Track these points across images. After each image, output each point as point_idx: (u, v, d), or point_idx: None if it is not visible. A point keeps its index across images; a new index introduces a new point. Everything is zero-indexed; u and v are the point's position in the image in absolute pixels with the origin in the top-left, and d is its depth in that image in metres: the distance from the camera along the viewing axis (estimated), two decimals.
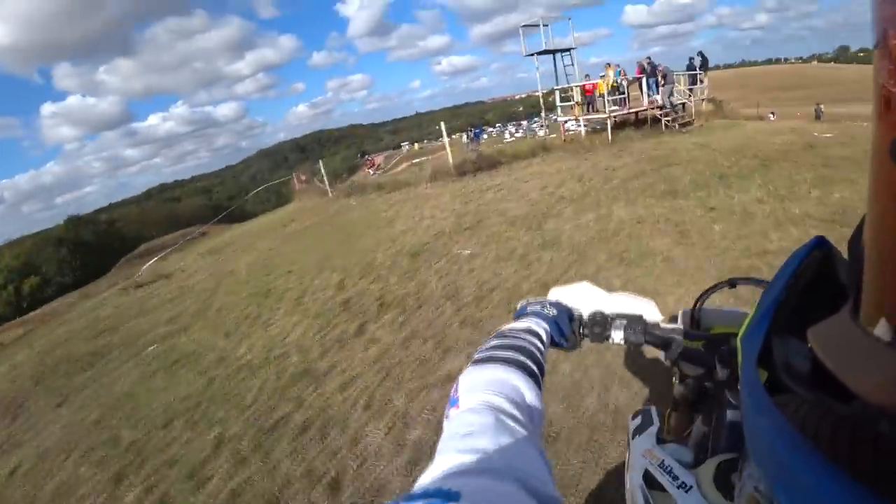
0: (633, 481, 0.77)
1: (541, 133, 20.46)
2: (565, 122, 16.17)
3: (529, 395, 0.54)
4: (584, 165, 11.02)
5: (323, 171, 17.67)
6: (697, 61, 18.22)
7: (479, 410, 0.49)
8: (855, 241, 0.25)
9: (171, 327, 7.40)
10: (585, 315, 0.83)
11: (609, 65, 16.97)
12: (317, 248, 9.33)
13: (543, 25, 15.82)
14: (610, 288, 0.85)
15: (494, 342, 0.65)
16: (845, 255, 0.28)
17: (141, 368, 6.00)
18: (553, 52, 17.08)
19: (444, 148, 12.95)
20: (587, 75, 16.68)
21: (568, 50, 17.14)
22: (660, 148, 11.94)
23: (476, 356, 0.63)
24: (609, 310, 0.82)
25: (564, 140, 15.54)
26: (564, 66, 17.13)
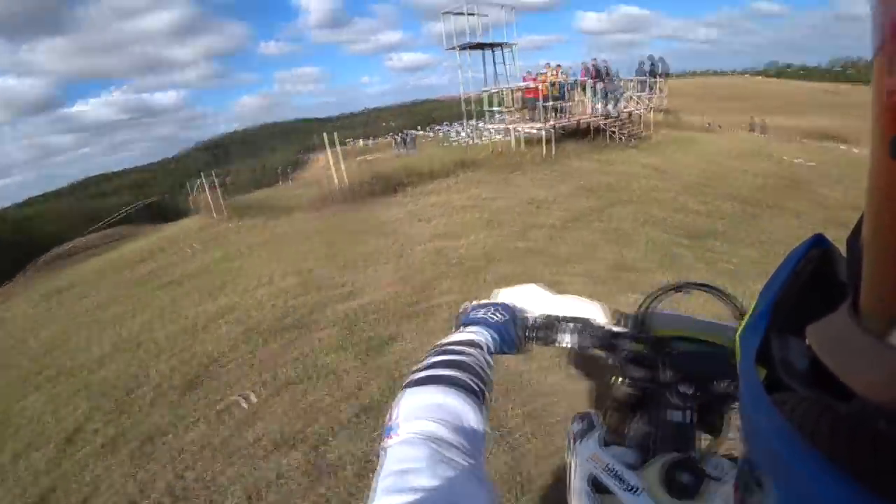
0: (577, 486, 0.77)
1: (465, 140, 17.46)
2: (496, 130, 13.35)
3: (473, 418, 0.53)
4: (504, 195, 8.21)
5: (209, 185, 13.62)
6: (648, 66, 15.97)
7: (416, 443, 0.47)
8: (853, 238, 0.24)
9: None
10: (533, 317, 0.81)
11: (549, 65, 14.34)
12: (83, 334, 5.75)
13: (469, 14, 12.82)
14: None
15: (435, 359, 0.61)
16: (844, 253, 0.28)
17: None
18: (484, 46, 14.17)
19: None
20: (529, 73, 13.92)
21: (501, 45, 14.27)
22: (607, 170, 9.31)
23: (414, 375, 0.60)
24: (557, 312, 0.81)
25: (493, 152, 12.73)
26: (496, 65, 14.31)
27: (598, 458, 0.74)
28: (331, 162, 11.42)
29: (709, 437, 0.75)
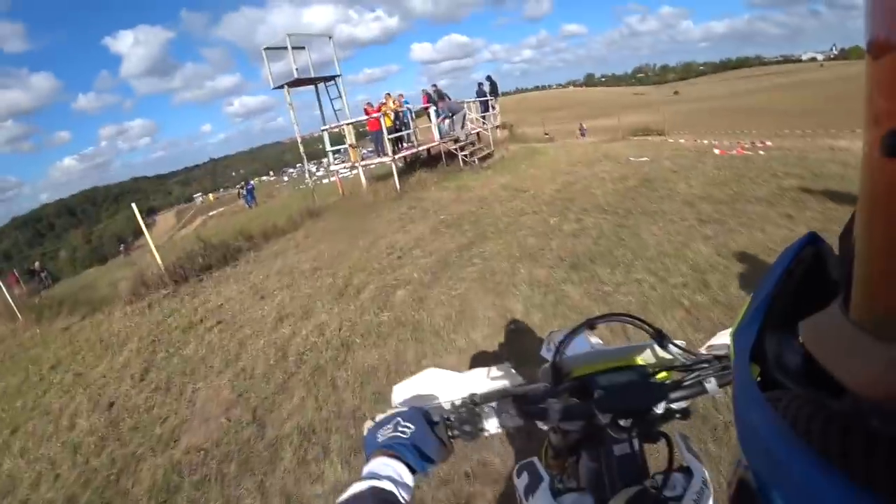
0: None
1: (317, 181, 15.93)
2: (342, 169, 12.14)
3: None
4: (358, 247, 6.99)
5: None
6: (487, 87, 16.10)
7: None
8: (846, 235, 0.25)
9: None
10: (448, 407, 0.72)
11: (389, 94, 13.59)
12: None
13: (293, 48, 11.52)
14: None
15: None
16: (836, 251, 0.29)
17: None
18: (315, 81, 12.94)
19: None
20: (369, 104, 12.94)
21: (333, 79, 13.17)
22: (466, 197, 8.58)
23: None
24: (465, 392, 0.74)
25: (343, 195, 11.48)
26: (332, 101, 13.12)
27: None
28: (148, 239, 9.23)
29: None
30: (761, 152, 8.48)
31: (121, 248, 36.19)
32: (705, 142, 11.58)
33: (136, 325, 6.05)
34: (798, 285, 0.31)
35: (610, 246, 4.80)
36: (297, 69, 11.57)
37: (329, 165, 12.66)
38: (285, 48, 11.38)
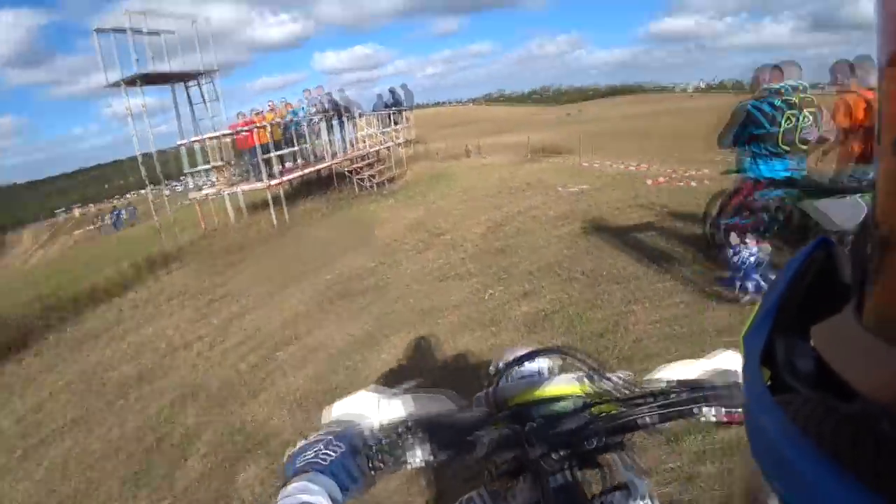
0: None
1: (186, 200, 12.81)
2: (204, 196, 9.41)
3: None
4: (214, 325, 4.69)
5: None
6: (389, 98, 14.20)
7: None
8: (858, 240, 0.25)
9: None
10: (374, 438, 0.68)
11: (272, 102, 11.13)
12: None
13: (134, 32, 8.62)
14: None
15: None
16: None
17: None
18: (171, 78, 10.07)
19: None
20: (242, 114, 10.36)
21: (196, 76, 10.36)
22: (361, 243, 6.51)
23: None
24: (399, 415, 0.73)
25: (206, 231, 8.81)
26: (193, 106, 10.33)
27: None
28: None
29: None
30: (693, 183, 7.46)
31: None
32: (622, 166, 10.63)
33: None
34: (809, 289, 0.30)
35: (598, 347, 3.03)
36: (149, 59, 8.71)
37: (189, 191, 9.82)
38: (125, 31, 8.50)
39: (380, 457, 0.65)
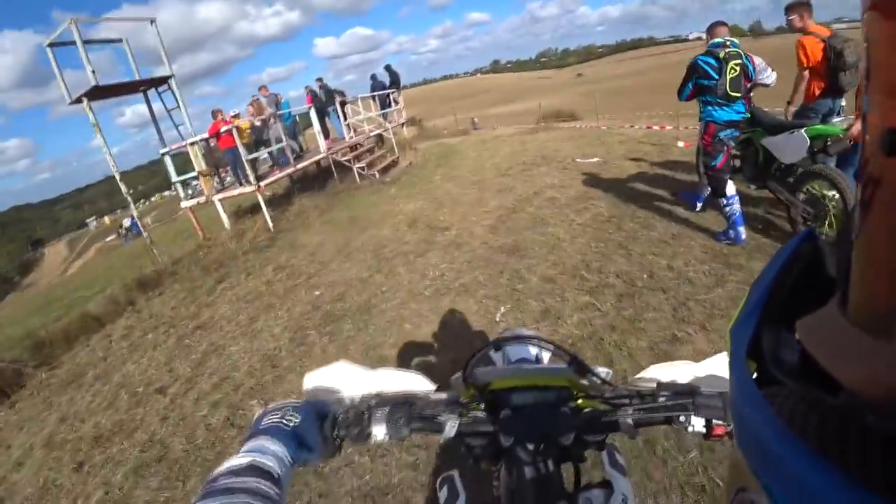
0: None
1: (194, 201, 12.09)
2: (195, 205, 8.75)
3: None
4: (186, 370, 4.01)
5: None
6: (386, 78, 13.24)
7: None
8: (843, 233, 0.25)
9: None
10: (343, 409, 0.70)
11: (255, 96, 10.32)
12: None
13: (84, 42, 7.78)
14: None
15: (204, 501, 0.50)
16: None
17: None
18: (132, 87, 9.29)
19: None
20: (220, 113, 9.57)
21: (161, 81, 9.54)
22: (354, 244, 5.76)
23: None
24: (372, 390, 0.73)
25: (201, 243, 8.17)
26: (170, 113, 9.57)
27: None
28: None
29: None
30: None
31: (14, 281, 31.00)
32: (645, 127, 9.53)
33: None
34: (795, 282, 0.30)
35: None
36: (96, 72, 7.94)
37: (182, 199, 9.16)
38: (73, 42, 7.72)
39: (345, 427, 0.67)
